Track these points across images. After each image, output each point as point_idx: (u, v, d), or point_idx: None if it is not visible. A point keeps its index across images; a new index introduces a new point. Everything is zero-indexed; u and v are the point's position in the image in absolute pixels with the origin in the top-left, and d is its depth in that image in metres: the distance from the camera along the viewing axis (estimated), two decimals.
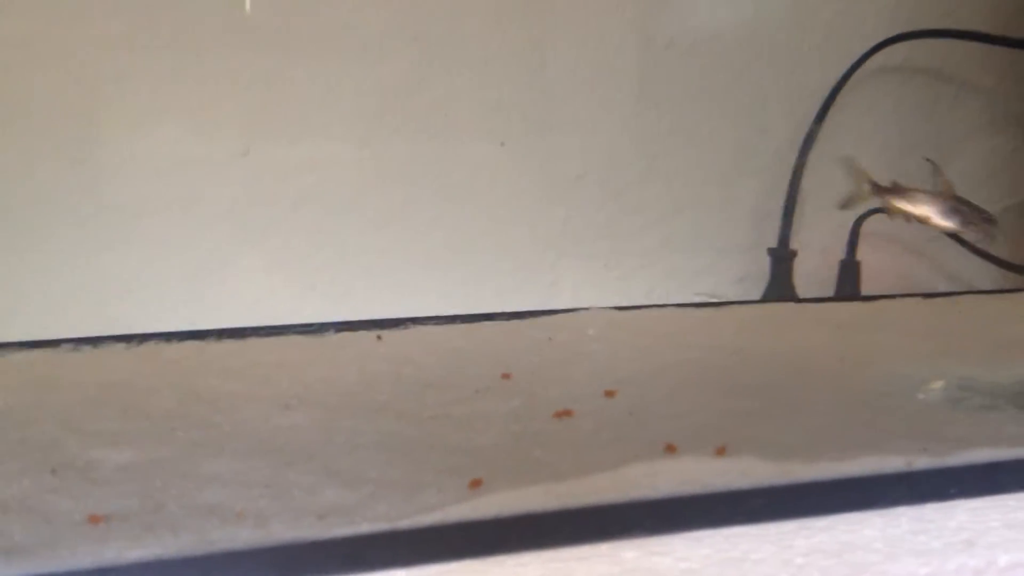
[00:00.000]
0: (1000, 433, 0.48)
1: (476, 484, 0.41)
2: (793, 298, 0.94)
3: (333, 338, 0.67)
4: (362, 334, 0.68)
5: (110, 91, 0.79)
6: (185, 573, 0.35)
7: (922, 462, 0.43)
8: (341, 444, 0.46)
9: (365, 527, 0.37)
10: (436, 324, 0.71)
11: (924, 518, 0.41)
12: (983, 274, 1.04)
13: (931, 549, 0.39)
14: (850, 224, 0.97)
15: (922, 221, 0.72)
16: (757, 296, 0.96)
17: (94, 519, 0.37)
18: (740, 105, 0.97)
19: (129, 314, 0.81)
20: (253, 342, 0.66)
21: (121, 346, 0.65)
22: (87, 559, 0.34)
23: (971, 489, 0.43)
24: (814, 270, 0.99)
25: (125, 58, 0.79)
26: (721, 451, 0.44)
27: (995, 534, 0.40)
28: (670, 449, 0.44)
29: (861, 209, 0.83)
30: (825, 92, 0.97)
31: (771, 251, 0.96)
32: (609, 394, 0.54)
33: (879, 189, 0.74)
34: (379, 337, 0.68)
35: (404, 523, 0.37)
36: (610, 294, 0.94)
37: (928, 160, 0.80)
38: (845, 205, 0.77)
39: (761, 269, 0.97)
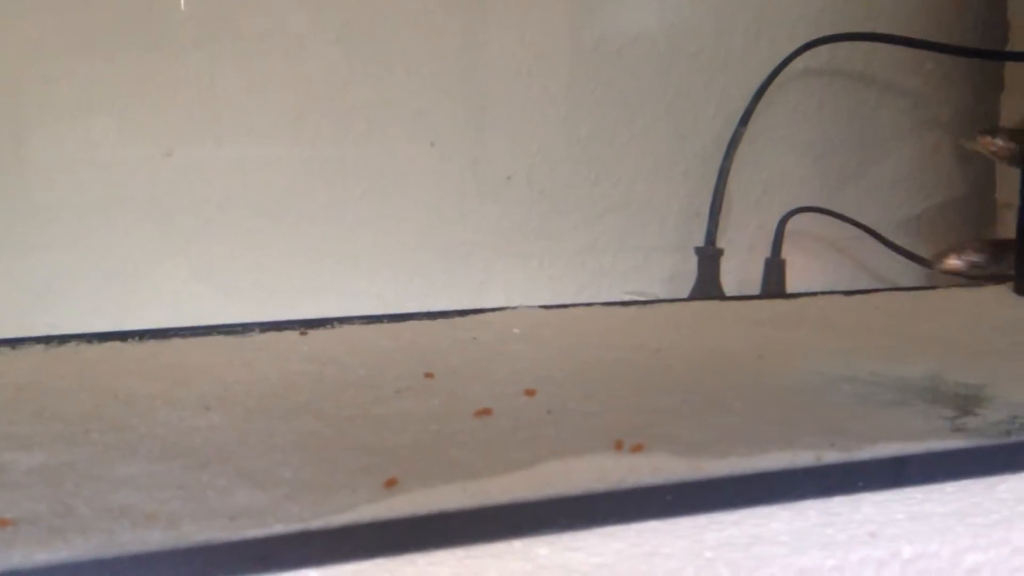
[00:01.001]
0: (906, 427, 0.49)
1: (391, 483, 0.41)
2: (719, 296, 0.95)
3: (257, 338, 0.67)
4: (287, 334, 0.68)
5: (30, 92, 0.78)
6: None
7: (830, 456, 0.44)
8: (257, 445, 0.46)
9: (277, 528, 0.37)
10: (361, 324, 0.71)
11: (831, 511, 0.42)
12: (905, 271, 1.06)
13: (836, 542, 0.39)
14: (775, 223, 0.98)
15: None
16: (685, 294, 0.98)
17: (0, 522, 0.37)
18: (667, 107, 0.98)
19: (51, 317, 0.80)
20: (176, 343, 0.66)
21: (40, 347, 0.64)
22: None
23: (877, 482, 0.44)
24: (740, 268, 1.01)
25: (44, 58, 0.78)
26: (635, 448, 0.45)
27: (899, 526, 0.41)
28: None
29: None
30: (750, 94, 0.99)
31: (698, 250, 0.97)
32: (529, 393, 0.55)
33: None
34: (302, 333, 0.68)
35: (316, 523, 0.37)
36: (541, 293, 0.95)
37: None
38: None
39: (690, 268, 0.98)
